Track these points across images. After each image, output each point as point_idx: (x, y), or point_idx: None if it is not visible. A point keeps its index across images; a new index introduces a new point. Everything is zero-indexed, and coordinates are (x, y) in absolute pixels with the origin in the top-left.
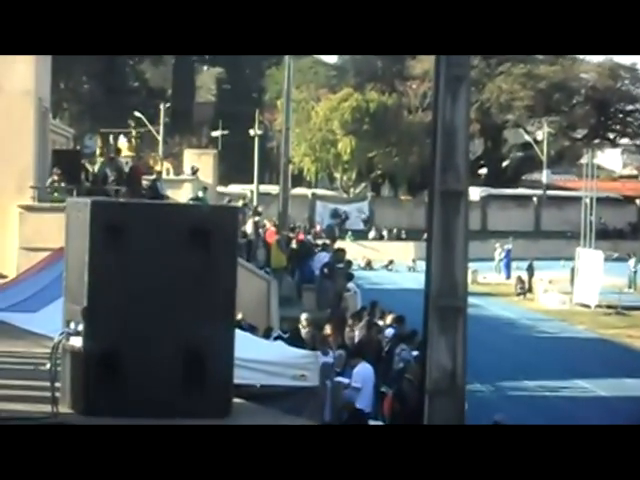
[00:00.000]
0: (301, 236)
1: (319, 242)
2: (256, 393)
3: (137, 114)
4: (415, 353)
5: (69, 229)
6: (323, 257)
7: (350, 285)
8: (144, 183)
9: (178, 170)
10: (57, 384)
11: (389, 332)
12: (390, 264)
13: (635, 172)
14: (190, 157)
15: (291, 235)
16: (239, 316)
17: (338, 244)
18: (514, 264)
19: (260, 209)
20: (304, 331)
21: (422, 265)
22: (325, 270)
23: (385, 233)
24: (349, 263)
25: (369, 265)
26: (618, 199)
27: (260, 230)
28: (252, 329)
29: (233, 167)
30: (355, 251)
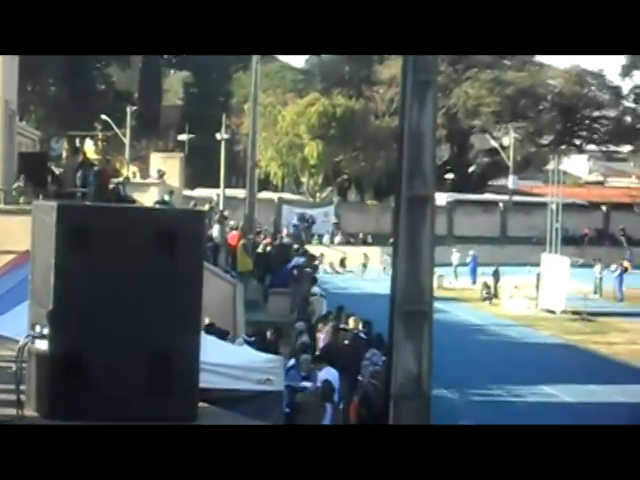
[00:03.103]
0: (268, 240)
1: (294, 246)
2: (221, 397)
3: (104, 117)
4: (383, 358)
5: (35, 232)
6: (298, 261)
7: (315, 289)
8: (110, 186)
9: (144, 174)
10: (22, 387)
11: (357, 336)
12: (365, 262)
13: (601, 178)
14: (156, 160)
15: (257, 239)
16: (206, 321)
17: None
18: (480, 269)
19: (226, 214)
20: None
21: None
22: (294, 272)
23: (338, 238)
24: (315, 267)
25: (343, 263)
26: (584, 205)
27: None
28: (222, 333)
29: (199, 171)
30: (324, 255)
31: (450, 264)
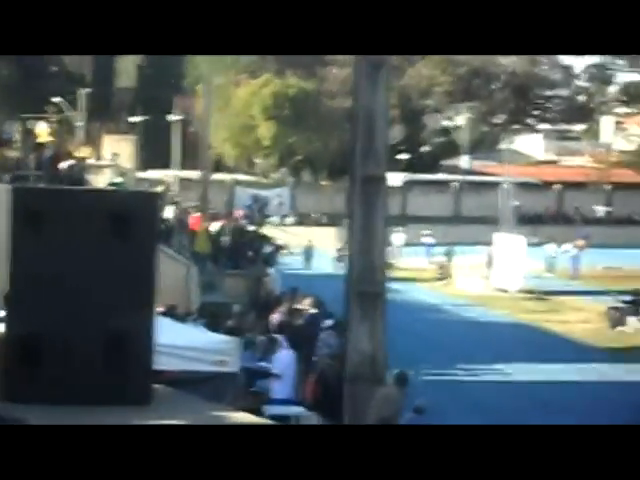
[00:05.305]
0: (223, 221)
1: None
2: (176, 379)
3: (56, 100)
4: (337, 339)
5: None
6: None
7: (270, 270)
8: (64, 169)
9: (98, 156)
10: None
11: (311, 317)
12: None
13: (554, 157)
14: (110, 143)
15: (216, 221)
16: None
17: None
18: (433, 249)
19: (177, 199)
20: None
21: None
22: (249, 254)
23: (290, 218)
24: (277, 248)
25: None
26: (537, 184)
27: (185, 216)
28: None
29: (153, 152)
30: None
31: (404, 244)
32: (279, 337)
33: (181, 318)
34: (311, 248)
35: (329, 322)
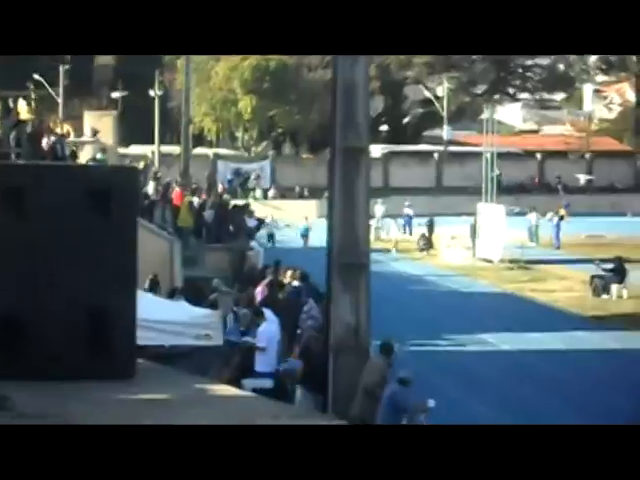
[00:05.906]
0: (203, 196)
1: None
2: (160, 353)
3: (36, 77)
4: (320, 311)
5: None
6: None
7: (253, 244)
8: (44, 146)
9: (79, 132)
10: None
11: (295, 289)
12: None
13: (535, 126)
14: (90, 119)
15: (199, 196)
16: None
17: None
18: (415, 220)
19: (159, 174)
20: None
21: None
22: (230, 228)
23: (271, 192)
24: (260, 222)
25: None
26: (519, 153)
27: (167, 191)
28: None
29: (134, 128)
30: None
31: (387, 216)
32: (263, 310)
33: (164, 293)
34: (307, 224)
35: (313, 294)
